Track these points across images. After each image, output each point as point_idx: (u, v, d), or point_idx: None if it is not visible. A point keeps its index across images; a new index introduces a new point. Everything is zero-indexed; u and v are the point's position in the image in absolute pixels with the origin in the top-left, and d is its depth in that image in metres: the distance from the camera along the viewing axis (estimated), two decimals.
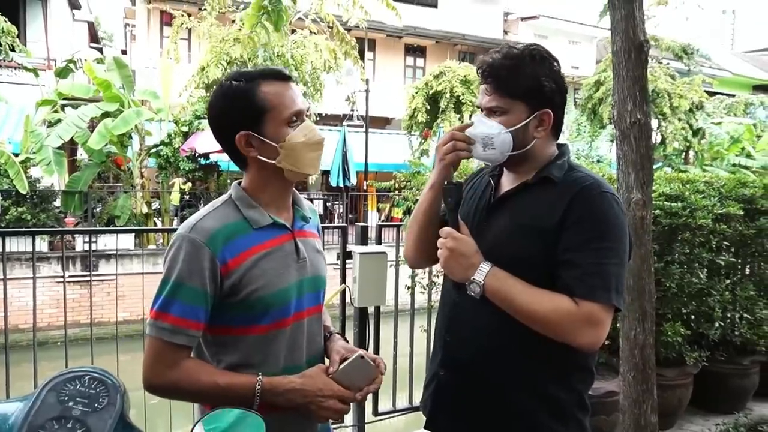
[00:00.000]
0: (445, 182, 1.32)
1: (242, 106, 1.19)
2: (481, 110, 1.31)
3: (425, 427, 1.42)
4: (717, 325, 3.28)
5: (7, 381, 2.64)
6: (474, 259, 1.23)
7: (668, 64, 17.18)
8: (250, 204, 1.22)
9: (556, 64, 1.30)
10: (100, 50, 16.72)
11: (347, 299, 3.14)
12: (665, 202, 3.03)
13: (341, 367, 1.20)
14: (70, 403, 0.90)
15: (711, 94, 18.52)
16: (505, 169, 1.37)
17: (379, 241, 3.46)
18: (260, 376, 1.14)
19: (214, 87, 1.26)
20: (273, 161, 1.20)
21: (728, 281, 3.37)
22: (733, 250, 3.37)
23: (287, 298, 1.21)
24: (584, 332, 1.16)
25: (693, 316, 3.28)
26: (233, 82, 1.20)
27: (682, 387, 3.23)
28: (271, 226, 1.22)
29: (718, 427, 3.24)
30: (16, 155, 9.68)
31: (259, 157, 1.21)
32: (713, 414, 3.40)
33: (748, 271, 3.69)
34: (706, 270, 3.25)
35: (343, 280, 3.21)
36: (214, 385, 1.13)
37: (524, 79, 1.25)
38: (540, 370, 1.26)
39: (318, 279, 1.32)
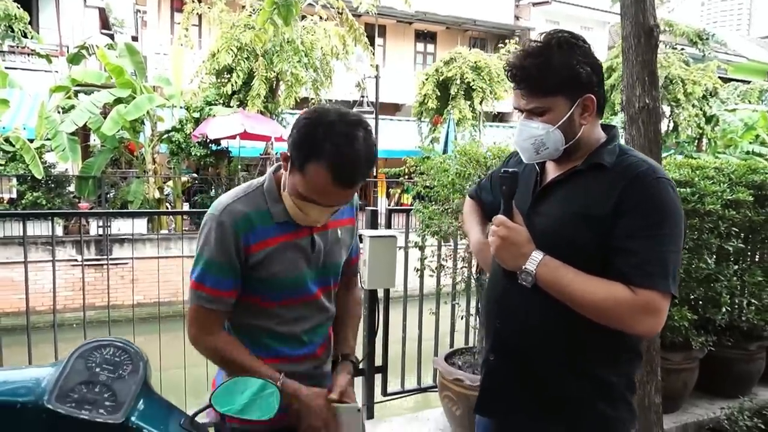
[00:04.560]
0: (502, 170, 1.31)
1: (301, 148, 1.18)
2: (521, 112, 1.28)
3: (476, 411, 1.45)
4: (724, 310, 3.29)
5: (29, 361, 2.73)
6: (525, 248, 1.22)
7: (682, 49, 16.95)
8: (277, 199, 1.30)
9: (583, 43, 1.26)
10: (111, 36, 16.74)
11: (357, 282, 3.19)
12: None
13: (345, 406, 1.30)
14: (97, 370, 0.96)
15: (726, 80, 18.26)
16: None
17: (389, 226, 3.50)
18: (282, 375, 1.28)
19: (318, 109, 1.22)
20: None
21: (736, 267, 3.37)
22: (742, 236, 3.37)
23: (299, 283, 1.33)
24: (642, 320, 1.16)
25: (700, 301, 3.30)
26: (329, 130, 1.16)
27: (688, 371, 3.26)
28: (287, 222, 1.30)
29: (723, 411, 3.26)
30: (31, 141, 9.82)
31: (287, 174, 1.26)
32: (719, 398, 3.42)
33: (757, 257, 3.70)
34: (714, 256, 3.26)
35: None
36: (241, 364, 1.27)
37: (556, 73, 1.21)
38: (591, 355, 1.26)
39: (330, 266, 1.40)
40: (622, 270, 1.16)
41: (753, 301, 3.38)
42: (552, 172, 1.33)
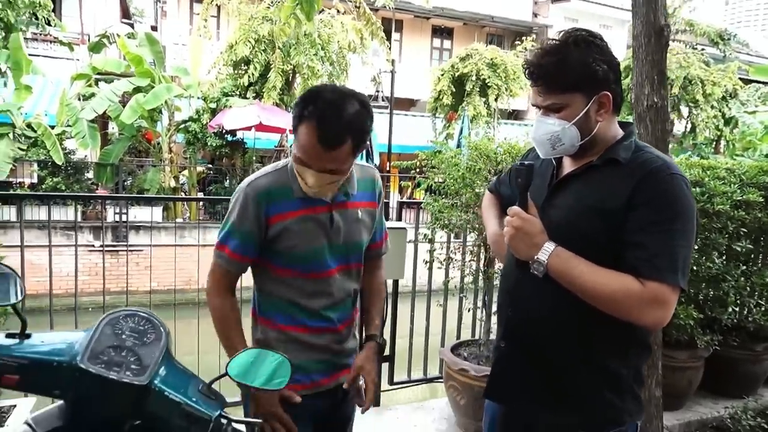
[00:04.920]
0: (518, 162, 1.36)
1: (295, 116, 1.31)
2: (538, 109, 1.31)
3: (485, 395, 1.50)
4: (730, 310, 3.31)
5: None
6: (538, 238, 1.25)
7: (703, 50, 16.70)
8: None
9: (600, 41, 1.28)
10: (131, 26, 16.97)
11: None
12: None
13: None
14: (124, 336, 1.04)
15: (747, 81, 17.94)
16: None
17: (399, 218, 3.57)
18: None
19: (324, 86, 1.34)
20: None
21: (744, 268, 3.38)
22: (752, 237, 3.37)
23: (317, 257, 1.42)
24: (650, 312, 1.18)
25: (707, 301, 3.32)
26: (322, 98, 1.28)
27: (693, 369, 3.28)
28: (307, 197, 1.40)
29: (727, 410, 3.28)
30: (52, 127, 10.02)
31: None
32: (723, 398, 3.44)
33: (766, 258, 3.69)
34: (722, 256, 3.27)
35: None
36: (227, 336, 1.44)
37: (573, 71, 1.24)
38: (600, 347, 1.28)
39: (351, 245, 1.48)
40: (632, 263, 1.19)
41: (761, 302, 3.39)
42: (568, 166, 1.36)
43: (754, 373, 3.51)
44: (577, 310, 1.24)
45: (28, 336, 0.98)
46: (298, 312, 1.45)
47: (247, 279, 1.59)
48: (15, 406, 2.39)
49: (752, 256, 3.51)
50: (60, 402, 1.02)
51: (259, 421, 1.11)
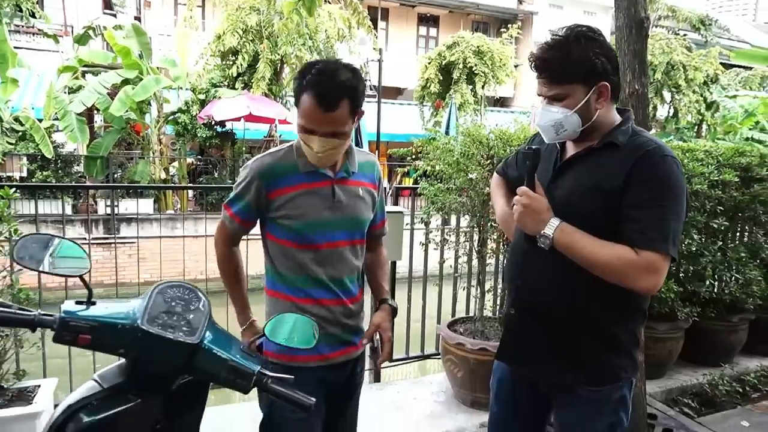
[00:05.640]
0: (526, 147, 1.50)
1: (295, 89, 1.48)
2: (543, 98, 1.44)
3: (496, 358, 1.65)
4: (708, 283, 3.52)
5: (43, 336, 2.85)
6: (545, 215, 1.39)
7: (685, 35, 16.96)
8: (303, 153, 1.54)
9: (599, 36, 1.40)
10: (114, 16, 16.79)
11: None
12: None
13: None
14: (173, 303, 1.18)
15: (728, 66, 18.27)
16: None
17: (396, 202, 3.72)
18: (253, 320, 1.66)
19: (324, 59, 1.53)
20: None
21: (721, 244, 3.59)
22: (729, 214, 3.57)
23: (319, 229, 1.55)
24: (644, 278, 1.31)
25: (686, 275, 3.52)
26: (317, 68, 1.44)
27: (673, 340, 3.49)
28: (315, 172, 1.54)
29: (705, 377, 3.51)
30: (40, 121, 9.98)
31: None
32: (702, 366, 3.65)
33: (740, 235, 3.91)
34: (700, 233, 3.48)
35: None
36: (233, 285, 1.67)
37: (576, 64, 1.36)
38: (601, 312, 1.42)
39: (354, 219, 1.61)
40: (628, 234, 1.32)
41: (736, 275, 3.61)
42: (571, 150, 1.50)
43: (731, 343, 3.73)
44: (579, 279, 1.37)
45: (94, 303, 1.11)
46: (304, 283, 1.55)
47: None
48: (39, 386, 2.53)
49: (728, 233, 3.72)
50: (121, 360, 1.17)
51: (292, 377, 1.26)
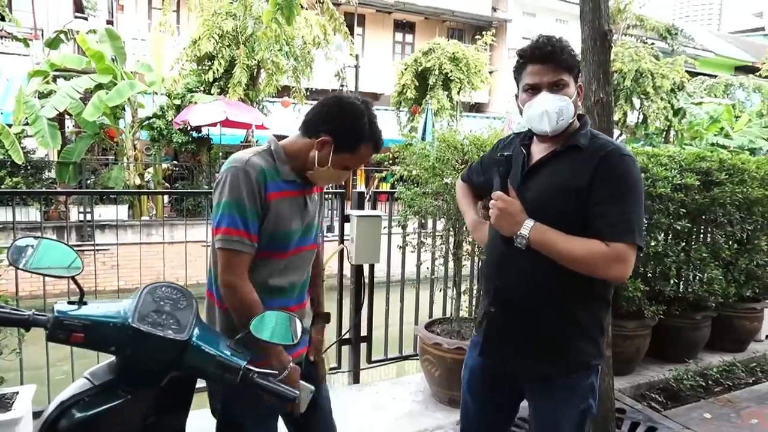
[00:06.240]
0: (498, 154, 1.58)
1: (350, 135, 1.53)
2: (535, 90, 1.50)
3: (479, 355, 1.71)
4: (672, 283, 3.68)
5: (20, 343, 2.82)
6: (520, 217, 1.48)
7: (653, 44, 17.49)
8: (284, 161, 1.57)
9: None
10: (85, 19, 16.54)
11: (345, 258, 3.49)
12: None
13: (304, 384, 1.55)
14: (161, 303, 1.23)
15: (694, 74, 18.89)
16: (536, 138, 1.61)
17: (374, 207, 3.79)
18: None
19: (351, 100, 1.56)
20: (313, 164, 1.56)
21: (684, 244, 3.76)
22: (691, 216, 3.74)
23: (295, 236, 1.59)
24: (615, 267, 1.42)
25: (652, 275, 3.68)
26: (367, 119, 1.53)
27: (641, 338, 3.64)
28: (292, 181, 1.58)
29: (672, 373, 3.67)
30: (9, 126, 9.77)
31: (317, 152, 1.55)
32: (668, 362, 3.82)
33: (702, 236, 4.09)
34: (664, 234, 3.64)
35: (342, 241, 3.56)
36: (254, 306, 1.47)
37: (571, 56, 1.50)
38: (572, 301, 1.53)
39: (312, 224, 1.68)
40: (598, 229, 1.44)
41: (698, 275, 3.78)
42: (537, 154, 1.60)
43: (695, 339, 3.90)
44: (553, 274, 1.48)
45: (85, 303, 1.16)
46: (264, 293, 1.50)
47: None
48: (18, 392, 2.52)
49: (691, 234, 3.89)
50: (111, 358, 1.22)
51: (276, 372, 1.32)
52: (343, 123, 1.52)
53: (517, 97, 1.61)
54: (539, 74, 1.51)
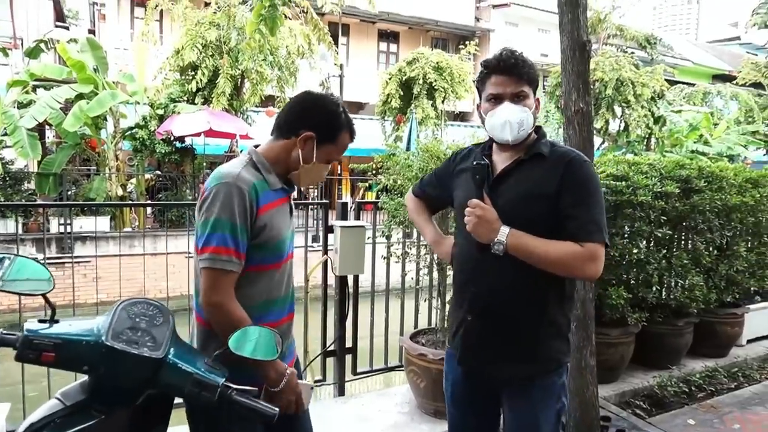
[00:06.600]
0: (474, 162, 1.62)
1: (330, 125, 1.55)
2: (498, 100, 1.56)
3: (458, 363, 1.73)
4: (654, 289, 3.72)
5: None
6: (496, 224, 1.53)
7: (633, 53, 17.79)
8: (269, 170, 1.55)
9: None
10: (67, 29, 16.38)
11: (329, 268, 3.46)
12: (612, 182, 3.42)
13: (303, 383, 1.56)
14: (137, 319, 1.20)
15: (673, 83, 19.23)
16: (496, 148, 1.66)
17: (357, 217, 3.78)
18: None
19: (320, 93, 1.63)
20: (297, 164, 1.55)
21: (665, 251, 3.80)
22: (671, 224, 3.78)
23: (285, 245, 1.58)
24: (589, 266, 1.50)
25: (634, 282, 3.71)
26: (341, 108, 1.58)
27: (625, 345, 3.65)
28: (280, 189, 1.57)
29: (656, 379, 3.69)
30: None
31: (300, 150, 1.54)
32: (652, 369, 3.84)
33: (683, 243, 4.14)
34: (646, 241, 3.67)
35: (325, 251, 3.53)
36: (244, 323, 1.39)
37: (532, 70, 1.57)
38: (546, 302, 1.59)
39: (292, 230, 1.67)
40: (571, 231, 1.50)
41: (680, 281, 3.82)
42: (501, 163, 1.64)
43: (677, 346, 3.93)
44: (529, 278, 1.53)
45: (57, 321, 1.13)
46: (262, 308, 1.49)
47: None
48: None
49: (672, 241, 3.94)
50: (83, 378, 1.18)
51: (255, 389, 1.29)
52: (321, 115, 1.55)
53: (479, 106, 1.65)
54: (503, 85, 1.57)
